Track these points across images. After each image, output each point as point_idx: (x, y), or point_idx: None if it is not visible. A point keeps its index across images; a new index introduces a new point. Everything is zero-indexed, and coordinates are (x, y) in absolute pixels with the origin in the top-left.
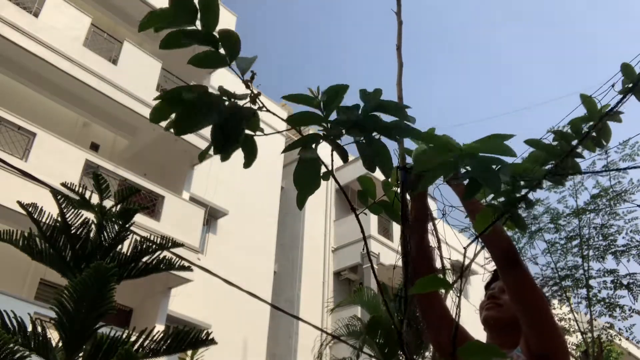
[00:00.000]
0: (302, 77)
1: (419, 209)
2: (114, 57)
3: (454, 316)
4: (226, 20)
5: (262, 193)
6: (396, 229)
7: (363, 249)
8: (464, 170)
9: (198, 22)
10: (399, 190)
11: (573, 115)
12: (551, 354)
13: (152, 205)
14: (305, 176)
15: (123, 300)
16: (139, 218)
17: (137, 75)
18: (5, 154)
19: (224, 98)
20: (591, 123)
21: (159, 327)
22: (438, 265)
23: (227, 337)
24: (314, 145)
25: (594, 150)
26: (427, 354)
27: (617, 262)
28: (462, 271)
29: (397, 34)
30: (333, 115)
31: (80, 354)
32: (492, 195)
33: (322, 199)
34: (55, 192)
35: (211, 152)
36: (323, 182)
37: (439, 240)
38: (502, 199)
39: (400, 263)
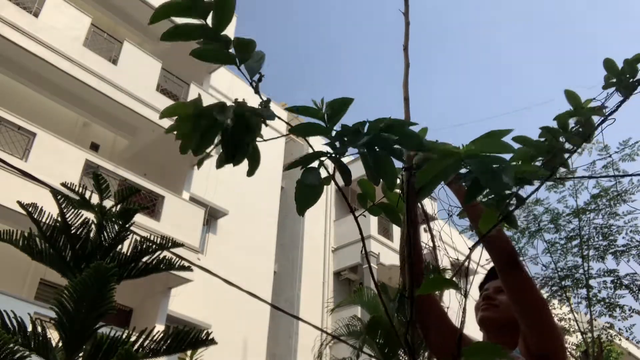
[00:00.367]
0: (302, 77)
1: (410, 211)
2: (114, 57)
3: (457, 317)
4: None
5: (262, 193)
6: (396, 229)
7: (362, 251)
8: (465, 171)
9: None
10: (402, 191)
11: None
12: (550, 354)
13: (152, 205)
14: (305, 194)
15: (123, 300)
16: (139, 218)
17: (137, 75)
18: (5, 154)
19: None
20: (577, 118)
21: (159, 327)
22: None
23: (227, 337)
24: (317, 163)
25: (579, 144)
26: (427, 354)
27: (617, 262)
28: (467, 272)
29: (404, 34)
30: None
31: (80, 354)
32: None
33: (322, 199)
34: (55, 192)
35: (211, 152)
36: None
37: (433, 241)
38: (491, 197)
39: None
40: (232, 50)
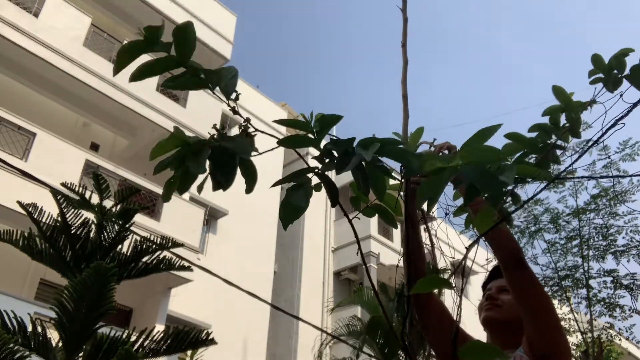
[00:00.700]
0: (303, 77)
1: (409, 212)
2: (114, 57)
3: (454, 316)
4: (226, 20)
5: (262, 193)
6: (396, 229)
7: (357, 253)
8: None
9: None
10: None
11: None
12: (553, 354)
13: (152, 205)
14: (290, 212)
15: (123, 300)
16: (139, 218)
17: None
18: (5, 154)
19: (215, 138)
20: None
21: (159, 327)
22: (438, 265)
23: (227, 337)
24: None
25: (567, 140)
26: (426, 353)
27: (617, 262)
28: (463, 271)
29: (402, 31)
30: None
31: (80, 354)
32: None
33: (322, 199)
34: (55, 192)
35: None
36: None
37: (432, 241)
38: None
39: (401, 263)
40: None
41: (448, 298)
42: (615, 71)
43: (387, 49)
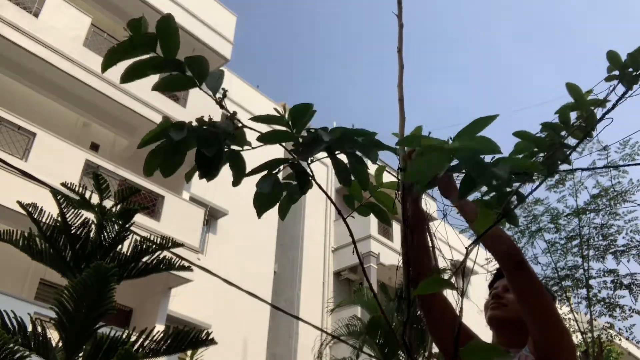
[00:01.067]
0: (303, 77)
1: (414, 212)
2: None
3: (450, 317)
4: (226, 20)
5: None
6: (396, 229)
7: (353, 252)
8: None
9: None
10: (398, 192)
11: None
12: (556, 354)
13: (152, 205)
14: (261, 200)
15: (123, 300)
16: (139, 218)
17: None
18: (5, 154)
19: (203, 126)
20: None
21: (159, 327)
22: (438, 265)
23: (227, 337)
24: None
25: (581, 139)
26: (426, 354)
27: (617, 262)
28: (463, 272)
29: (398, 37)
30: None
31: (80, 354)
32: (485, 189)
33: (322, 199)
34: (55, 192)
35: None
36: (323, 183)
37: (432, 241)
38: (493, 194)
39: (401, 263)
40: (189, 73)
41: (449, 298)
42: (630, 69)
43: (388, 49)
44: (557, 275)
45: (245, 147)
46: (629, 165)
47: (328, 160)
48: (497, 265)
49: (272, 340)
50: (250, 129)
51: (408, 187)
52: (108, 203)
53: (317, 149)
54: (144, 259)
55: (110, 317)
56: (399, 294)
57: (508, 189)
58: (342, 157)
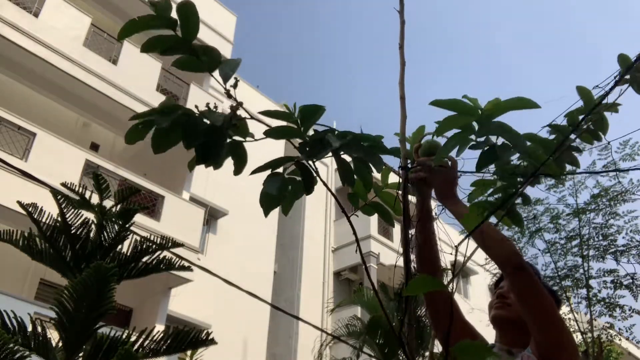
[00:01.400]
0: (303, 77)
1: (423, 210)
2: (114, 57)
3: (454, 313)
4: (226, 20)
5: None
6: (396, 229)
7: (356, 251)
8: (480, 140)
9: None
10: (399, 191)
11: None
12: (558, 355)
13: (152, 205)
14: (268, 199)
15: (123, 300)
16: (139, 218)
17: (137, 75)
18: (5, 154)
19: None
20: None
21: (159, 327)
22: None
23: (227, 337)
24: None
25: (591, 142)
26: (427, 354)
27: (617, 262)
28: (455, 270)
29: (399, 33)
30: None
31: (80, 354)
32: (490, 191)
33: (322, 199)
34: (55, 192)
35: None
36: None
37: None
38: (497, 196)
39: (401, 263)
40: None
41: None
42: None
43: (389, 49)
44: (557, 275)
45: (248, 139)
46: (632, 169)
47: (328, 160)
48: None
49: (272, 340)
50: (258, 120)
51: (412, 183)
52: (108, 203)
53: (325, 151)
54: (144, 259)
55: (110, 317)
56: (398, 293)
57: (512, 190)
58: (344, 157)
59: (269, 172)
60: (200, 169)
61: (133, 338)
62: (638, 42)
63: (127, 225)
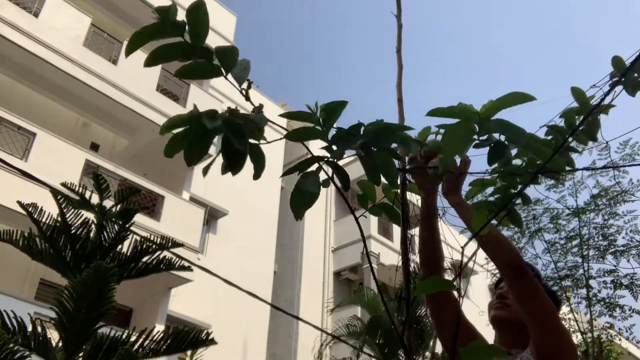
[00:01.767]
0: (303, 76)
1: (429, 206)
2: (114, 57)
3: (457, 315)
4: (226, 20)
5: (262, 193)
6: (397, 229)
7: (363, 251)
8: (483, 139)
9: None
10: (399, 191)
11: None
12: (557, 356)
13: (152, 205)
14: (302, 199)
15: (123, 300)
16: (139, 218)
17: (137, 75)
18: (5, 154)
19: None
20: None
21: (159, 327)
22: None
23: (227, 337)
24: (314, 167)
25: (586, 143)
26: (427, 354)
27: (617, 262)
28: (461, 271)
29: (397, 37)
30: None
31: (80, 354)
32: (488, 191)
33: (322, 199)
34: (55, 192)
35: (211, 151)
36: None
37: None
38: (497, 196)
39: (401, 263)
40: (216, 62)
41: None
42: (636, 74)
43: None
44: (557, 275)
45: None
46: (630, 165)
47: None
48: None
49: (272, 340)
50: (272, 122)
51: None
52: (108, 203)
53: (352, 146)
54: (144, 259)
55: (110, 317)
56: (399, 294)
57: (513, 191)
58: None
59: (269, 174)
60: (200, 168)
61: (133, 338)
62: (638, 42)
63: (127, 225)
